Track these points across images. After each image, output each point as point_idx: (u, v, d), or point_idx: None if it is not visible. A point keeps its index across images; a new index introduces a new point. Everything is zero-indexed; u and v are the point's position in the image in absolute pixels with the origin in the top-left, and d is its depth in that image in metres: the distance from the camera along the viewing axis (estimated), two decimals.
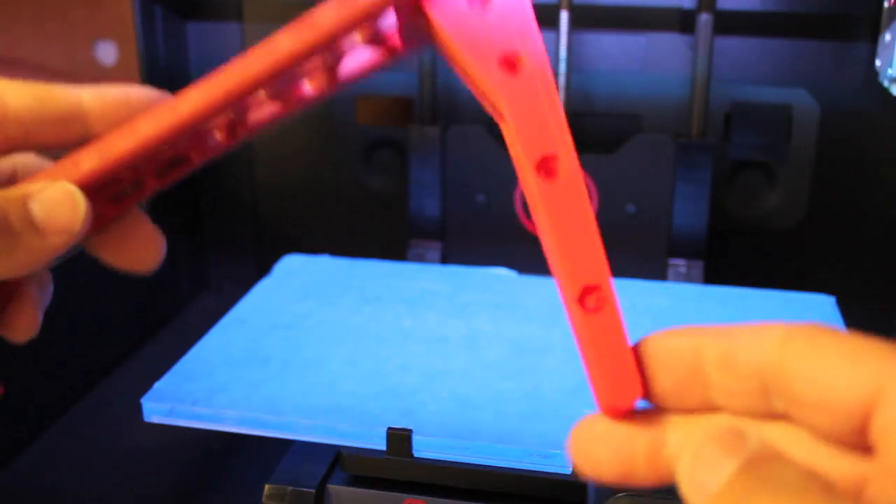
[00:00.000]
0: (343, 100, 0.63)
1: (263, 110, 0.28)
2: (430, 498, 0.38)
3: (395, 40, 0.27)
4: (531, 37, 0.25)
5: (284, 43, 0.24)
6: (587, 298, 0.25)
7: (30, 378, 0.48)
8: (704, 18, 0.55)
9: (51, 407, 0.50)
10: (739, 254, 0.61)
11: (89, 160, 0.26)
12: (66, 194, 0.26)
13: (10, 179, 0.28)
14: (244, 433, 0.41)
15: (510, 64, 0.26)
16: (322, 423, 0.40)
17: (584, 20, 0.58)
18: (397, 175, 0.64)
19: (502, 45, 0.25)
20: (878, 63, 0.53)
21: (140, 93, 0.26)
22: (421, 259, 0.62)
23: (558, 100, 0.25)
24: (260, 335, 0.49)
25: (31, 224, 0.25)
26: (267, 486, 0.38)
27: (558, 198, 0.26)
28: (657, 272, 0.59)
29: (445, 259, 0.63)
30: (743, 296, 0.54)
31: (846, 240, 0.60)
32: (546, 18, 0.59)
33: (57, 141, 0.26)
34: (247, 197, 0.67)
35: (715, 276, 0.60)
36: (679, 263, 0.59)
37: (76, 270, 0.52)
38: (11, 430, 0.47)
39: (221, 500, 0.44)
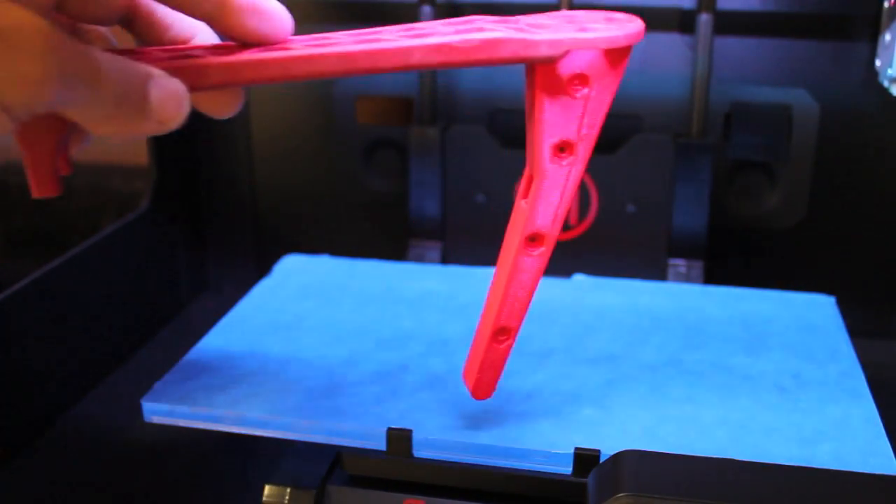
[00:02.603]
0: (343, 100, 0.63)
1: None
2: (429, 498, 0.38)
3: None
4: (594, 122, 0.33)
5: (416, 56, 0.30)
6: (500, 335, 0.37)
7: (29, 378, 0.48)
8: (704, 18, 0.55)
9: (51, 407, 0.50)
10: (739, 254, 0.61)
11: (217, 76, 0.29)
12: (177, 94, 0.28)
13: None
14: (244, 433, 0.41)
15: (562, 150, 0.33)
16: (322, 423, 0.40)
17: None
18: (397, 175, 0.64)
19: (567, 132, 0.33)
20: (878, 63, 0.53)
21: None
22: (421, 259, 0.62)
23: (576, 186, 0.34)
24: (260, 335, 0.49)
25: (141, 101, 0.27)
26: (267, 487, 0.38)
27: (530, 266, 0.36)
28: (657, 272, 0.59)
29: (445, 259, 0.63)
30: (743, 296, 0.54)
31: (846, 240, 0.60)
32: None
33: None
34: (247, 197, 0.67)
35: (715, 276, 0.60)
36: (679, 263, 0.59)
37: (76, 271, 0.52)
38: (12, 430, 0.47)
39: (221, 500, 0.44)
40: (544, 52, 0.31)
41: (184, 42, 0.33)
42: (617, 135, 0.59)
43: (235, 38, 0.30)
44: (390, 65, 0.29)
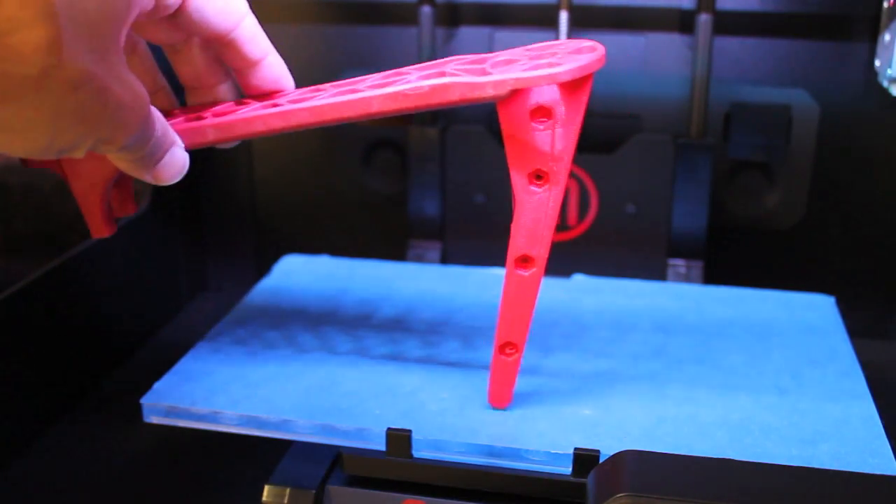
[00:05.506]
0: None
1: None
2: (429, 498, 0.38)
3: None
4: (567, 147, 0.34)
5: (375, 106, 0.32)
6: (506, 348, 0.39)
7: (30, 378, 0.48)
8: (704, 18, 0.55)
9: (51, 407, 0.50)
10: (739, 254, 0.61)
11: (213, 134, 0.33)
12: (182, 164, 0.32)
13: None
14: (244, 433, 0.41)
15: (538, 178, 0.35)
16: (322, 423, 0.40)
17: (584, 20, 0.58)
18: (397, 175, 0.64)
19: (540, 161, 0.34)
20: (877, 63, 0.53)
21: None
22: (421, 259, 0.62)
23: (558, 206, 0.35)
24: (260, 335, 0.49)
25: (157, 161, 0.30)
26: (267, 487, 0.38)
27: (524, 285, 0.37)
28: (657, 272, 0.59)
29: (445, 259, 0.63)
30: (743, 296, 0.54)
31: (846, 240, 0.60)
32: (546, 18, 0.59)
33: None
34: (247, 197, 0.67)
35: (715, 276, 0.60)
36: (679, 263, 0.59)
37: (76, 271, 0.52)
38: (12, 430, 0.47)
39: (221, 500, 0.44)
40: (490, 92, 0.32)
41: (217, 83, 0.37)
42: (617, 135, 0.59)
43: (248, 87, 0.36)
44: (354, 114, 0.32)
